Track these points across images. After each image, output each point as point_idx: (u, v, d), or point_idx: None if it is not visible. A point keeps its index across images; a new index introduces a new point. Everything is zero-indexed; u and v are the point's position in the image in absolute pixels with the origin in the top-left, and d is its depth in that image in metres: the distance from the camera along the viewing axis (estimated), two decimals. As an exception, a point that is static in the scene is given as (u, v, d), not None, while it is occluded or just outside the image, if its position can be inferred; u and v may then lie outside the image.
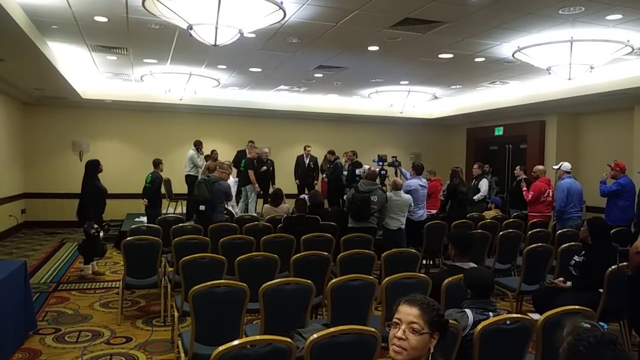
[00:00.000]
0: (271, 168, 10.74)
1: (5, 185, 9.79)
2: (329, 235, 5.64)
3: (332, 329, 2.49)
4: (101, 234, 6.98)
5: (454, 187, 7.74)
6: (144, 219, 8.73)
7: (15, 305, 4.34)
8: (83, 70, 8.92)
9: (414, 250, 5.26)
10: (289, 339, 2.45)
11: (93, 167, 6.91)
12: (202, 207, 6.42)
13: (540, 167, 8.17)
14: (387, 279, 3.76)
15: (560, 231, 6.47)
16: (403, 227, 6.84)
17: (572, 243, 5.31)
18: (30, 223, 11.16)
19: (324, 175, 10.92)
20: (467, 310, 2.82)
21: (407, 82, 9.53)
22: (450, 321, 2.72)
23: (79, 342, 4.61)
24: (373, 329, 2.58)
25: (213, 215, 6.54)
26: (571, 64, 6.22)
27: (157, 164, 8.78)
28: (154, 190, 8.51)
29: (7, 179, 10.00)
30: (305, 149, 11.36)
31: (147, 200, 8.50)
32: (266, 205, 7.81)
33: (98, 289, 6.40)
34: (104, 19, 5.78)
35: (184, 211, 9.48)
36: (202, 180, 6.59)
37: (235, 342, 2.33)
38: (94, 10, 5.46)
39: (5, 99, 9.81)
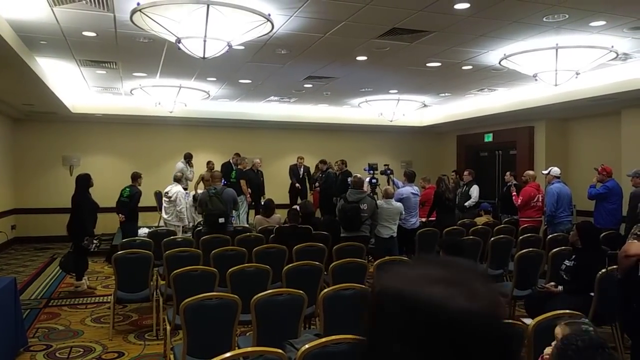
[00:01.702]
0: (262, 179, 10.76)
1: (-6, 201, 9.71)
2: (321, 244, 5.64)
3: (323, 339, 2.49)
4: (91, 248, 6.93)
5: (440, 194, 7.78)
6: (141, 231, 8.65)
7: (5, 322, 4.29)
8: (72, 84, 8.90)
9: (406, 258, 5.28)
10: (280, 351, 2.45)
11: (84, 182, 6.88)
12: (221, 220, 6.43)
13: (530, 172, 8.25)
14: (379, 287, 3.77)
15: (550, 236, 6.52)
16: (395, 235, 6.86)
17: (563, 247, 5.35)
18: (20, 239, 11.06)
19: (316, 184, 10.94)
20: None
21: (396, 91, 9.59)
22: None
23: (71, 358, 4.57)
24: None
25: (227, 225, 6.58)
26: (557, 70, 6.30)
27: (136, 177, 8.29)
28: (133, 206, 8.05)
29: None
30: (298, 160, 11.41)
31: (123, 216, 8.00)
32: (258, 216, 7.81)
33: (89, 304, 6.35)
34: (93, 34, 5.79)
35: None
36: (212, 193, 6.58)
37: (227, 355, 2.33)
38: (82, 25, 5.47)
39: (-6, 115, 9.76)
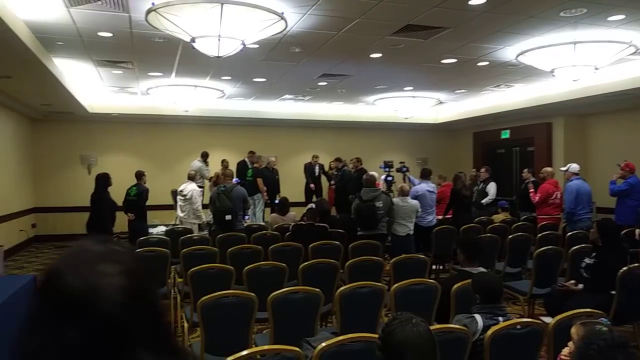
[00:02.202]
0: (277, 177, 10.79)
1: (15, 200, 9.87)
2: (337, 242, 5.63)
3: (340, 337, 2.48)
4: None
5: (457, 192, 7.71)
6: (154, 230, 8.71)
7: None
8: (89, 84, 9.00)
9: (422, 256, 5.24)
10: (297, 349, 2.45)
11: (104, 181, 6.98)
12: (228, 217, 6.46)
13: (548, 169, 8.13)
14: (395, 285, 3.75)
15: (570, 233, 6.42)
16: (412, 233, 6.82)
17: (583, 245, 5.27)
18: (40, 237, 11.23)
19: (332, 182, 10.94)
20: (477, 316, 2.80)
21: (411, 88, 9.53)
22: (460, 327, 2.71)
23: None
24: (382, 336, 2.57)
25: (236, 223, 6.60)
26: (575, 65, 6.21)
27: (140, 175, 8.21)
28: (141, 204, 8.03)
29: (18, 194, 10.09)
30: (312, 158, 11.42)
31: (132, 215, 7.94)
32: (273, 214, 7.82)
33: (108, 302, 6.42)
34: (109, 34, 5.84)
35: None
36: (220, 191, 6.63)
37: (244, 352, 2.33)
38: (98, 26, 5.52)
39: (13, 116, 9.91)
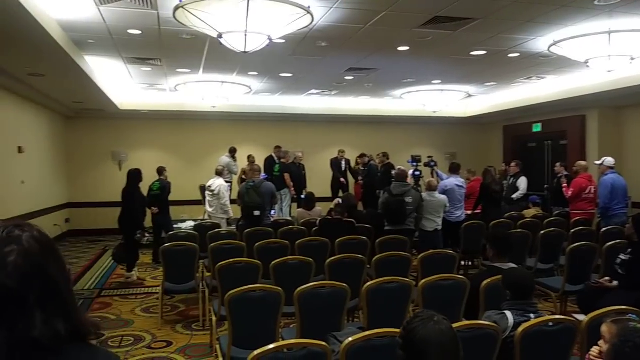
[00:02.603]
0: (303, 172, 10.81)
1: (50, 195, 10.16)
2: (364, 238, 5.61)
3: (367, 332, 2.46)
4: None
5: (486, 186, 7.55)
6: (183, 225, 8.87)
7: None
8: (119, 82, 9.17)
9: (451, 252, 5.17)
10: (324, 343, 2.44)
11: (135, 177, 7.12)
12: (257, 213, 6.51)
13: (582, 162, 7.92)
14: (423, 280, 3.71)
15: (604, 229, 6.24)
16: (439, 228, 6.74)
17: (618, 241, 5.12)
18: (74, 231, 11.53)
19: (359, 178, 10.90)
20: (507, 312, 2.75)
21: (439, 81, 9.40)
22: (490, 323, 2.66)
23: (122, 347, 4.72)
24: (410, 332, 2.53)
25: (264, 218, 6.64)
26: (610, 55, 6.00)
27: (161, 171, 8.47)
28: (164, 198, 8.24)
29: (52, 189, 10.38)
30: (339, 153, 11.40)
31: (156, 209, 8.11)
32: (299, 209, 7.84)
33: (139, 295, 6.55)
34: (138, 32, 5.93)
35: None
36: (249, 186, 6.67)
37: (271, 346, 2.33)
38: (127, 23, 5.61)
39: (48, 113, 10.19)
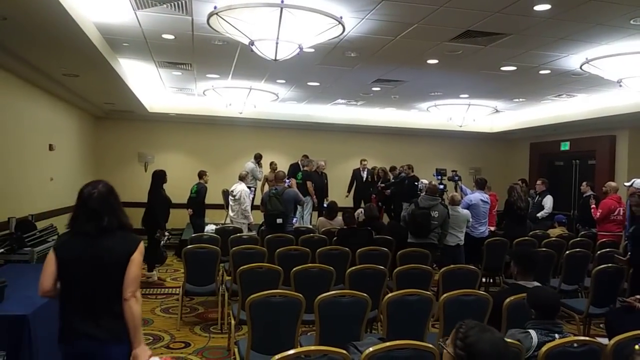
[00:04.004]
0: (326, 181, 10.82)
1: (76, 193, 10.33)
2: (385, 249, 5.58)
3: (388, 343, 2.45)
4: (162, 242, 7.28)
5: (511, 204, 7.40)
6: (209, 227, 9.00)
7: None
8: (150, 85, 9.34)
9: (473, 267, 5.11)
10: (344, 351, 2.44)
11: (159, 177, 7.24)
12: (279, 220, 6.56)
13: (612, 183, 7.77)
14: (445, 295, 3.67)
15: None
16: (462, 243, 6.66)
17: (646, 265, 4.99)
18: (98, 230, 11.71)
19: (381, 185, 10.85)
20: (531, 331, 2.70)
21: (467, 96, 9.34)
22: (513, 341, 2.62)
23: None
24: (431, 345, 2.52)
25: (286, 225, 6.68)
26: (644, 75, 5.90)
27: (201, 175, 9.05)
28: (199, 200, 8.76)
29: (79, 187, 10.50)
30: (361, 162, 11.38)
31: (191, 210, 8.78)
32: (321, 218, 7.85)
33: (159, 295, 6.63)
34: (171, 37, 6.04)
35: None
36: (272, 194, 6.72)
37: (291, 352, 2.34)
38: (162, 28, 5.72)
39: (78, 113, 10.42)
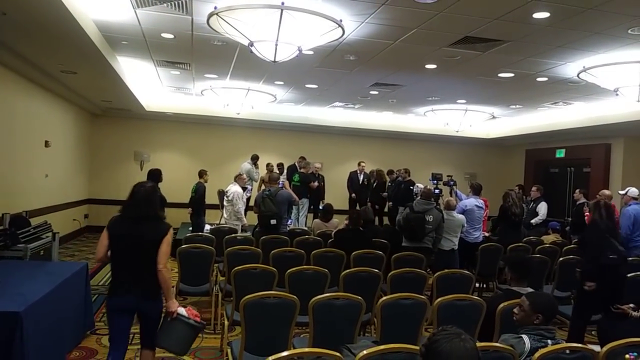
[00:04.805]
0: (322, 183, 10.83)
1: (71, 190, 10.33)
2: (380, 252, 5.59)
3: (382, 347, 2.45)
4: None
5: (506, 209, 7.42)
6: (207, 227, 8.99)
7: (75, 305, 4.54)
8: (148, 83, 9.33)
9: (467, 272, 5.13)
10: (337, 354, 2.44)
11: (155, 176, 7.22)
12: (273, 221, 6.56)
13: (606, 192, 7.78)
14: (439, 299, 3.68)
15: (625, 260, 6.12)
16: (456, 248, 6.67)
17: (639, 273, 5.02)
18: (92, 227, 11.67)
19: (385, 194, 10.88)
20: (524, 336, 2.71)
21: (464, 101, 9.38)
22: (506, 346, 2.63)
23: (133, 344, 4.74)
24: (424, 350, 2.52)
25: (280, 226, 6.67)
26: (641, 85, 5.94)
27: (201, 174, 9.12)
28: (198, 199, 8.83)
29: (74, 184, 10.55)
30: (359, 165, 11.39)
31: (191, 209, 8.89)
32: (316, 220, 7.85)
33: (152, 294, 6.59)
34: (171, 36, 6.04)
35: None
36: (266, 195, 6.72)
37: (285, 354, 2.34)
38: (161, 27, 5.72)
39: (75, 110, 10.39)
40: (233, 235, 6.61)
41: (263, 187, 10.04)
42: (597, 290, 4.57)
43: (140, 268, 3.31)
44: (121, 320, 3.40)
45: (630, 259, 6.17)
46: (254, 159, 10.82)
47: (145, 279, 3.32)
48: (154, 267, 3.29)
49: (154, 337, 3.44)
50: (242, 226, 8.64)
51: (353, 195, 11.23)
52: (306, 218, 10.37)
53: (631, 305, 4.40)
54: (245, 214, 9.56)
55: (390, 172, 11.06)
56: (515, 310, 2.94)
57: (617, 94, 6.42)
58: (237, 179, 8.77)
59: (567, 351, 2.68)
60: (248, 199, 9.52)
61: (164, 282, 3.31)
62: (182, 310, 3.39)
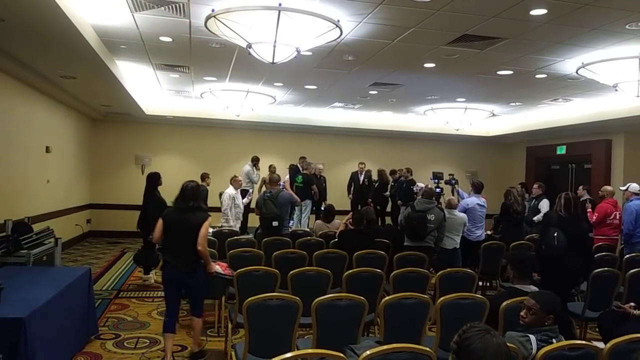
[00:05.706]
0: (324, 184, 10.82)
1: (73, 196, 10.35)
2: (382, 252, 5.58)
3: (385, 347, 2.45)
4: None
5: (507, 207, 7.39)
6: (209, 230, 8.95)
7: (79, 310, 4.55)
8: (147, 87, 9.34)
9: (470, 271, 5.12)
10: (341, 354, 2.43)
11: (154, 180, 7.21)
12: (275, 223, 6.56)
13: (608, 187, 7.79)
14: (442, 298, 3.67)
15: (628, 256, 6.12)
16: (458, 246, 6.67)
17: (643, 269, 5.01)
18: (94, 232, 11.70)
19: (388, 194, 10.90)
20: (532, 337, 2.70)
21: (464, 99, 9.38)
22: (511, 345, 2.62)
23: (137, 349, 4.76)
24: (428, 349, 2.52)
25: (282, 228, 6.67)
26: (640, 80, 5.93)
27: (203, 177, 9.09)
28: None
29: (75, 190, 10.57)
30: (359, 165, 11.38)
31: None
32: (318, 221, 7.84)
33: (156, 298, 6.60)
34: (169, 39, 6.05)
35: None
36: (267, 197, 6.71)
37: (288, 355, 2.34)
38: (159, 30, 5.73)
39: (75, 115, 10.41)
40: (235, 237, 6.60)
41: (264, 188, 10.06)
42: (546, 283, 4.51)
43: (184, 248, 4.25)
44: (170, 289, 4.39)
45: (632, 254, 6.18)
46: (254, 161, 10.81)
47: (187, 257, 4.27)
48: (194, 248, 4.22)
49: (200, 306, 4.46)
50: (226, 227, 8.40)
51: (350, 196, 11.25)
52: (309, 219, 10.36)
53: (632, 304, 4.39)
54: (247, 217, 9.58)
55: (392, 172, 11.04)
56: (522, 313, 2.86)
57: (616, 90, 6.41)
58: (232, 181, 8.71)
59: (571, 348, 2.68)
60: (249, 203, 9.50)
61: (204, 257, 4.34)
62: (218, 268, 4.50)
